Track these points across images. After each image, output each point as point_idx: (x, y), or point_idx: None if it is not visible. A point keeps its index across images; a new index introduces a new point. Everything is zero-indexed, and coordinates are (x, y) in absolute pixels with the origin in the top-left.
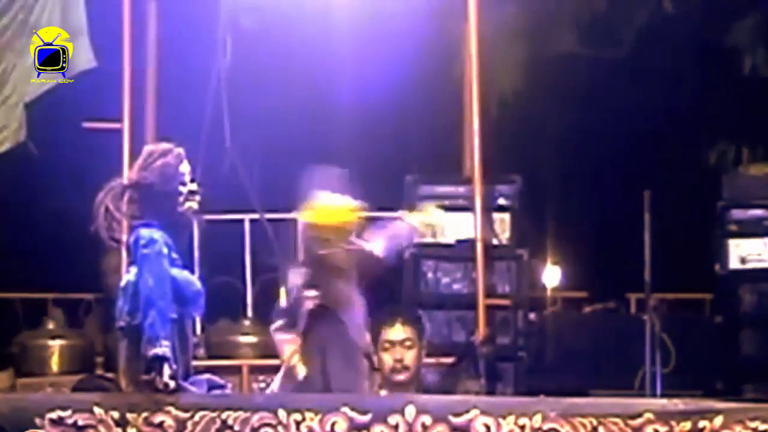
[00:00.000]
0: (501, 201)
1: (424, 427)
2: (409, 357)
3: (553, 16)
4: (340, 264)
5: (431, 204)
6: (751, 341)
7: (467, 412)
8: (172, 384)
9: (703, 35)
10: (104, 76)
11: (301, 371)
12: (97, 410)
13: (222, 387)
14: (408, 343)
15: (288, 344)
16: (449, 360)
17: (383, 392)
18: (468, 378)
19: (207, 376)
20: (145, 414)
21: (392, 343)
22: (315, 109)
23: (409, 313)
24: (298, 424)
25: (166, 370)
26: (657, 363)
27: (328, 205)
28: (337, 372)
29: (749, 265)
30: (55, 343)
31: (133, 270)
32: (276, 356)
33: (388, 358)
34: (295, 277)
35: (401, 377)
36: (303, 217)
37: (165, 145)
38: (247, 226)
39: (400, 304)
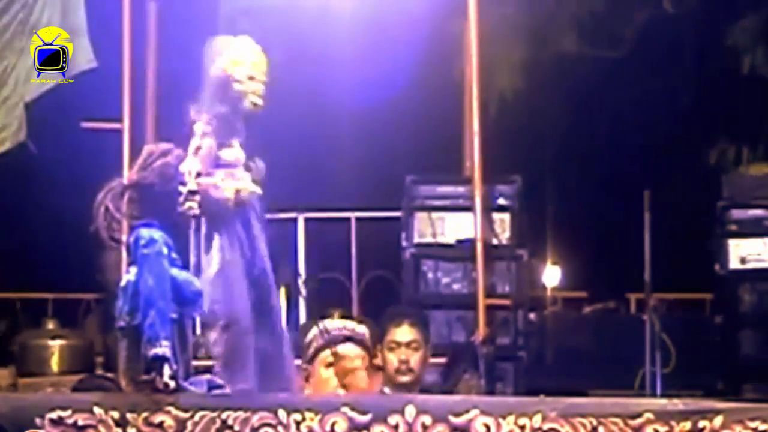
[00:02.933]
0: (501, 201)
1: (424, 427)
2: (415, 359)
3: (553, 15)
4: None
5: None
6: (751, 341)
7: (467, 412)
8: (172, 384)
9: (703, 35)
10: (104, 76)
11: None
12: (97, 410)
13: (222, 387)
14: (414, 345)
15: None
16: (446, 360)
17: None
18: (468, 378)
19: (207, 376)
20: (145, 414)
21: (398, 344)
22: (314, 109)
23: (418, 314)
24: (298, 424)
25: (166, 370)
26: (657, 363)
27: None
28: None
29: (749, 265)
30: (55, 343)
31: (133, 270)
32: None
33: (393, 359)
34: None
35: (405, 379)
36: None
37: (165, 145)
38: None
39: (401, 303)
